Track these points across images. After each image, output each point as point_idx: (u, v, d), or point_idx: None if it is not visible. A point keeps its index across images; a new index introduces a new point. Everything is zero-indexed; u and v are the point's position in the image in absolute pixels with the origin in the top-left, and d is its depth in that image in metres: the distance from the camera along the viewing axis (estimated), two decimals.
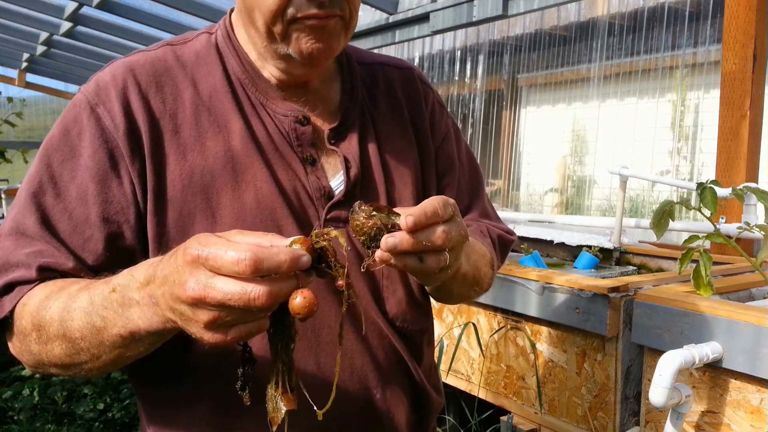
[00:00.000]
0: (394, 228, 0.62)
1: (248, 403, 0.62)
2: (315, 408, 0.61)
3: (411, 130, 0.95)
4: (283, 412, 0.61)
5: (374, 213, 0.62)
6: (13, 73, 7.94)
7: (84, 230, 0.75)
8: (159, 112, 0.79)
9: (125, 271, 0.65)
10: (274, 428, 0.61)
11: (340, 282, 0.59)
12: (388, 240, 0.61)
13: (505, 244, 1.05)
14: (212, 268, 0.54)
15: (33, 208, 0.75)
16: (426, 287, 0.90)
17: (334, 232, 0.59)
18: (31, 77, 8.02)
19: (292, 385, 0.61)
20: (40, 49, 6.34)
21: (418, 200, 0.92)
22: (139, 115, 0.77)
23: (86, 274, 0.74)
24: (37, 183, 0.76)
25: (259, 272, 0.54)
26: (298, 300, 0.56)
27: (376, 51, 4.50)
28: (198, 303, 0.55)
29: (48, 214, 0.75)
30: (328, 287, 0.80)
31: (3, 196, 5.47)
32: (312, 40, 0.77)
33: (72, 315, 0.66)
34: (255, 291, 0.53)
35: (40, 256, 0.73)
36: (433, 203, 0.64)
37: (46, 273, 0.73)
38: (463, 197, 1.02)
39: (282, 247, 0.56)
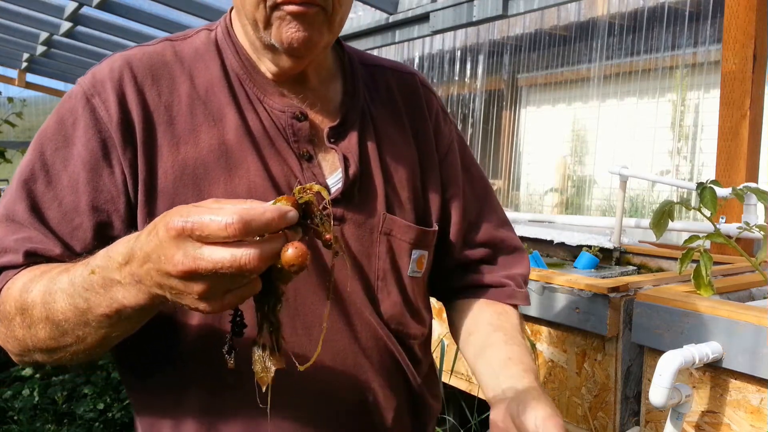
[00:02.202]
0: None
1: (232, 367, 0.62)
2: (296, 363, 0.61)
3: (410, 134, 0.94)
4: (272, 371, 0.60)
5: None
6: (13, 73, 7.95)
7: (73, 218, 0.75)
8: (154, 104, 0.79)
9: (102, 251, 0.64)
10: (264, 388, 0.60)
11: (328, 236, 0.58)
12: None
13: (523, 288, 1.03)
14: (199, 238, 0.53)
15: (23, 195, 0.75)
16: None
17: (316, 187, 0.59)
18: (31, 77, 8.02)
19: (279, 346, 0.61)
20: (40, 49, 6.35)
21: (415, 203, 0.91)
22: (134, 106, 0.78)
23: (73, 261, 0.74)
24: (29, 171, 0.76)
25: (248, 234, 0.52)
26: (291, 251, 0.54)
27: (376, 51, 4.52)
28: (189, 276, 0.54)
29: (38, 201, 0.75)
30: (320, 283, 0.80)
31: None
32: (292, 29, 0.76)
33: (54, 297, 0.66)
34: (245, 255, 0.52)
35: (28, 242, 0.73)
36: None
37: (33, 258, 0.73)
38: (471, 208, 1.00)
39: (267, 205, 0.55)
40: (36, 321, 0.68)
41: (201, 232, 0.52)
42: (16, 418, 2.70)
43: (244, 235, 0.52)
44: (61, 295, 0.65)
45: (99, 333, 0.66)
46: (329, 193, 0.60)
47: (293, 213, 0.55)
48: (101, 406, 2.74)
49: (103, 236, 0.75)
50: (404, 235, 0.88)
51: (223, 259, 0.52)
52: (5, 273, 0.73)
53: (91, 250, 0.73)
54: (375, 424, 0.86)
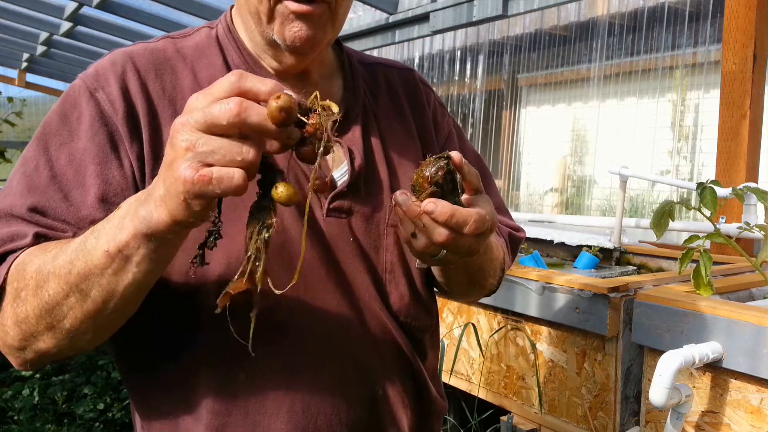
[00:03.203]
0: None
1: (193, 276, 0.61)
2: (273, 288, 0.60)
3: (414, 127, 0.96)
4: (228, 293, 0.59)
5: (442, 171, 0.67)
6: (13, 73, 7.95)
7: (80, 210, 0.74)
8: (158, 97, 0.79)
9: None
10: (218, 311, 0.59)
11: (310, 126, 0.57)
12: (430, 205, 0.66)
13: (515, 243, 1.05)
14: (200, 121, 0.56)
15: (26, 191, 0.73)
16: (433, 272, 0.90)
17: (332, 105, 0.59)
18: (31, 77, 8.02)
19: (254, 278, 0.59)
20: (40, 49, 6.35)
21: None
22: (138, 99, 0.77)
23: None
24: (32, 166, 0.75)
25: (241, 88, 0.55)
26: (281, 189, 0.56)
27: (376, 51, 4.52)
28: (181, 129, 0.56)
29: (42, 196, 0.73)
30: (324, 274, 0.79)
31: None
32: (295, 28, 0.76)
33: (68, 246, 0.65)
34: (226, 102, 0.54)
35: (36, 229, 0.71)
36: (482, 215, 0.68)
37: (43, 240, 0.71)
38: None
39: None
40: (41, 283, 0.65)
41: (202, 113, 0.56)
42: (16, 418, 2.71)
43: (238, 91, 0.56)
44: (75, 243, 0.65)
45: (101, 287, 0.63)
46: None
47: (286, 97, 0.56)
48: (101, 406, 2.74)
49: None
50: None
51: (207, 106, 0.55)
52: (11, 256, 0.70)
53: None
54: (382, 415, 0.85)
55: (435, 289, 0.97)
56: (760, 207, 2.00)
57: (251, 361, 0.66)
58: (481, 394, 1.90)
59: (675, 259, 2.01)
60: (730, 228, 1.93)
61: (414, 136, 0.95)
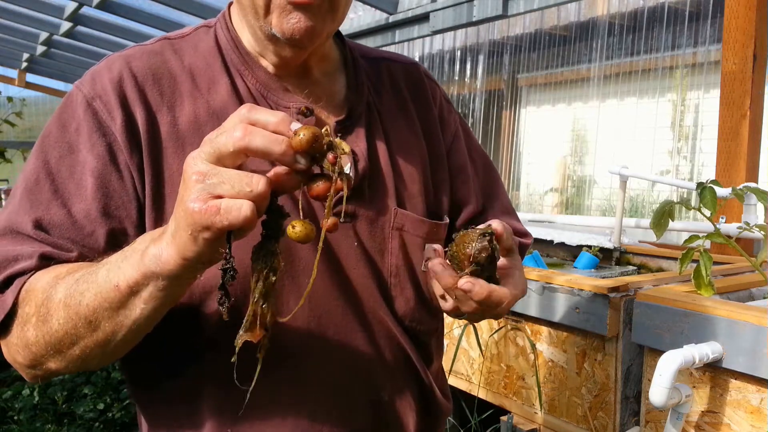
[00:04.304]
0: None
1: (226, 319, 0.59)
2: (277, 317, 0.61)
3: (418, 125, 0.93)
4: (241, 340, 0.58)
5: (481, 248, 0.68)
6: (13, 73, 7.95)
7: (84, 226, 0.72)
8: (156, 104, 0.77)
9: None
10: (233, 359, 0.59)
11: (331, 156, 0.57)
12: (467, 285, 0.68)
13: (522, 250, 1.04)
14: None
15: (28, 206, 0.72)
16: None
17: (344, 144, 0.58)
18: (31, 77, 8.03)
19: (265, 322, 0.59)
20: (40, 49, 6.35)
21: (426, 196, 0.90)
22: (136, 107, 0.75)
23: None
24: (33, 180, 0.73)
25: (251, 120, 0.56)
26: (298, 228, 0.56)
27: None
28: (191, 163, 0.56)
29: (45, 211, 0.72)
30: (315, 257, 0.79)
31: (3, 196, 5.48)
32: (293, 20, 0.73)
33: (79, 276, 0.65)
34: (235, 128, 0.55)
35: (41, 249, 0.71)
36: (515, 295, 0.73)
37: (48, 262, 0.70)
38: (478, 195, 0.99)
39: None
40: (52, 311, 0.65)
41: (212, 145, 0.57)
42: (16, 418, 2.71)
43: (248, 120, 0.57)
44: (84, 275, 0.64)
45: (111, 321, 0.63)
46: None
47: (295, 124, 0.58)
48: (101, 406, 2.74)
49: (116, 243, 0.73)
50: (417, 230, 0.86)
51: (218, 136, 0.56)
52: (19, 279, 0.69)
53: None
54: (388, 421, 0.85)
55: None
56: (760, 207, 2.00)
57: (254, 363, 0.65)
58: (481, 394, 1.90)
59: (675, 259, 2.01)
60: (730, 228, 1.93)
61: (419, 135, 0.92)
